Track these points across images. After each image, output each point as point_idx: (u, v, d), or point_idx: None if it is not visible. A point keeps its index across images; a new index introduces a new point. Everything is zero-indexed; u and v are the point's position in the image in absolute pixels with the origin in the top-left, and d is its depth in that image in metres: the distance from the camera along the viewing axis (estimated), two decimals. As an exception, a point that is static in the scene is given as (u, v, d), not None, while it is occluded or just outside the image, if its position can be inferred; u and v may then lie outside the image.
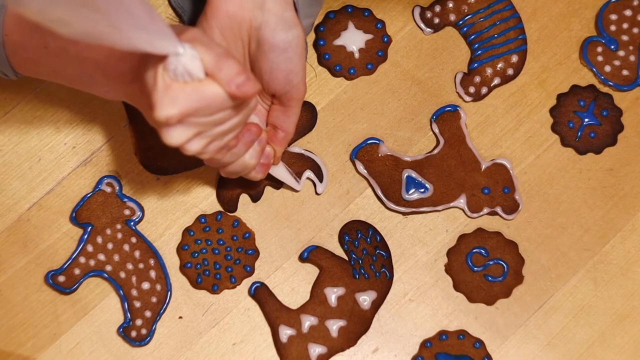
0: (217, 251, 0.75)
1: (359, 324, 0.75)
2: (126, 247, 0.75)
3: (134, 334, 0.74)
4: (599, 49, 0.80)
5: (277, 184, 0.76)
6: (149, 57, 0.55)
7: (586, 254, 0.78)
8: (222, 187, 0.77)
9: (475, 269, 0.76)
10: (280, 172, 0.74)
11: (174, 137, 0.56)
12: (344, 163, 0.78)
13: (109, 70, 0.60)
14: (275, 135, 0.69)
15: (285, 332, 0.74)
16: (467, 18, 0.80)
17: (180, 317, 0.75)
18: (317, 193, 0.77)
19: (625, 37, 0.81)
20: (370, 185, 0.78)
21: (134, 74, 0.58)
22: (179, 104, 0.54)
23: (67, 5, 0.47)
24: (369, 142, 0.78)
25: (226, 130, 0.59)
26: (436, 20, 0.80)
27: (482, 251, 0.77)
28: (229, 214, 0.76)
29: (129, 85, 0.59)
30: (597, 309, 0.77)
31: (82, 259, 0.75)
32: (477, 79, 0.79)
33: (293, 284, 0.76)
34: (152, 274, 0.75)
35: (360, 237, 0.76)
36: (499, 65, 0.80)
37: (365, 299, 0.75)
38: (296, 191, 0.77)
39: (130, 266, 0.75)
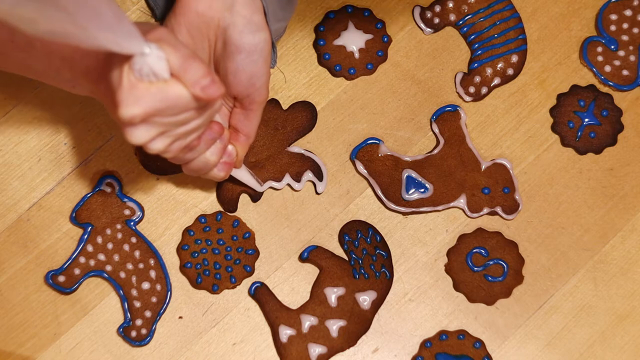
0: (217, 251, 0.75)
1: (359, 324, 0.75)
2: (126, 247, 0.75)
3: (134, 334, 0.74)
4: (599, 49, 0.80)
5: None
6: (115, 56, 0.55)
7: (586, 254, 0.78)
8: (222, 187, 0.77)
9: (475, 269, 0.76)
10: (242, 174, 0.74)
11: (137, 136, 0.56)
12: (344, 163, 0.78)
13: (74, 66, 0.60)
14: (237, 139, 0.69)
15: (285, 332, 0.74)
16: (467, 18, 0.80)
17: (180, 317, 0.75)
18: (317, 193, 0.77)
19: (625, 37, 0.81)
20: (370, 185, 0.78)
21: (99, 70, 0.59)
22: (143, 104, 0.54)
23: (34, 4, 0.47)
24: (369, 142, 0.78)
25: (189, 131, 0.59)
26: (436, 20, 0.80)
27: (482, 251, 0.77)
28: (229, 214, 0.76)
29: (95, 81, 0.60)
30: (597, 309, 0.77)
31: (82, 259, 0.75)
32: (477, 79, 0.79)
33: (293, 284, 0.76)
34: (152, 274, 0.75)
35: (360, 237, 0.76)
36: (499, 65, 0.80)
37: (365, 299, 0.75)
38: (259, 193, 0.76)
39: (130, 266, 0.75)
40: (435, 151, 0.78)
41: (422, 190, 0.77)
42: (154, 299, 0.75)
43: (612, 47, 0.80)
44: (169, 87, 0.54)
